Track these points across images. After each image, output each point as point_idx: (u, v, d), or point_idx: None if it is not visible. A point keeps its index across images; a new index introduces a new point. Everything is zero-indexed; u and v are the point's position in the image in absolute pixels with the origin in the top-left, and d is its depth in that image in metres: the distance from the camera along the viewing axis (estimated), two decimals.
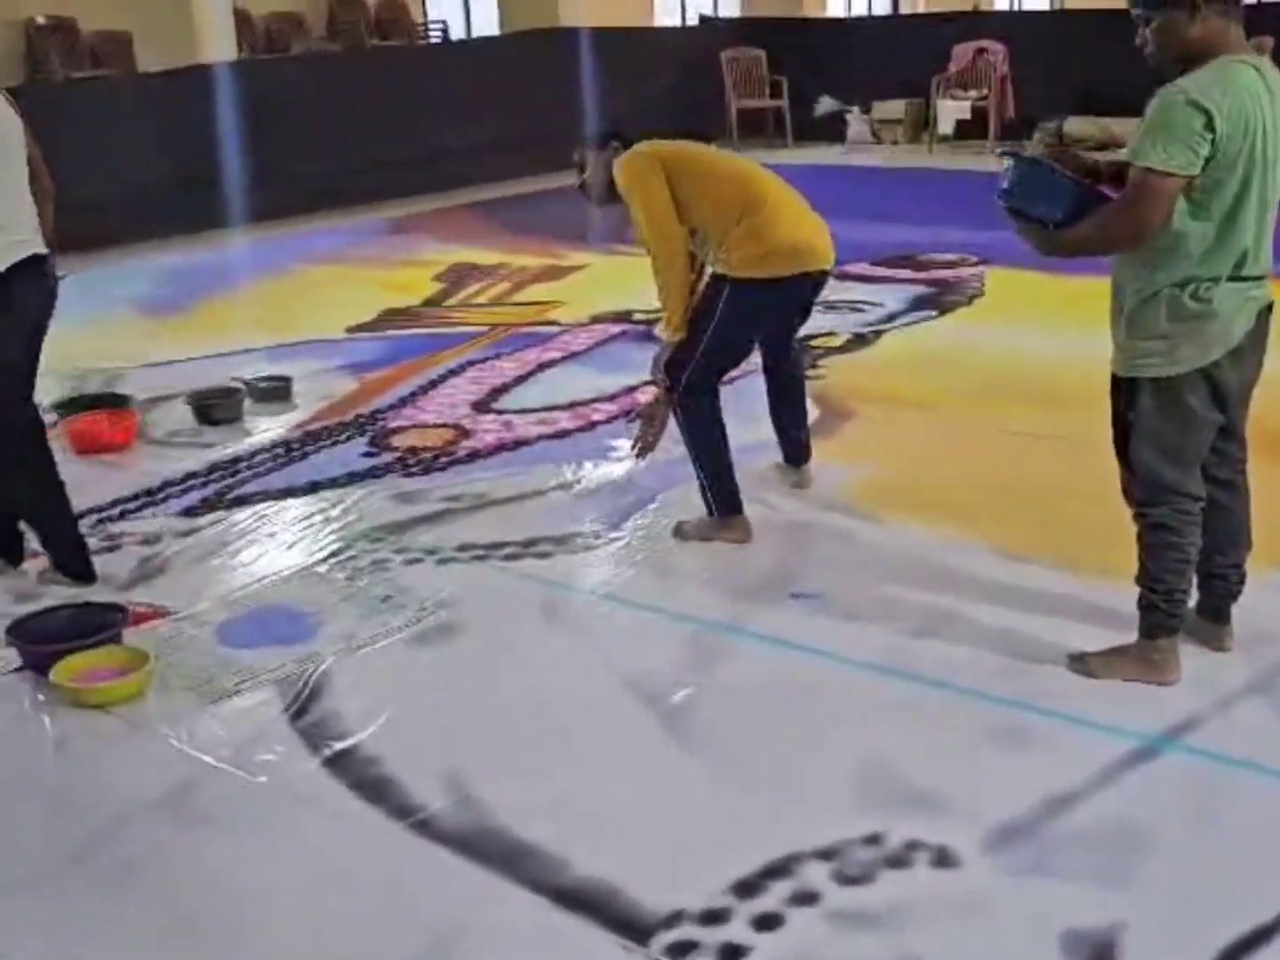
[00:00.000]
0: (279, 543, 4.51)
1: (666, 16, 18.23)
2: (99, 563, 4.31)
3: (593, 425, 5.56)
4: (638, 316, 7.25)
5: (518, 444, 5.36)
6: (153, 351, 6.92)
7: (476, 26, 16.06)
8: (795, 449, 4.75)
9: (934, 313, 7.22)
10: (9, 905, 2.75)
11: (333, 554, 4.38)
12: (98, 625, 3.73)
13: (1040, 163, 3.24)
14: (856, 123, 13.93)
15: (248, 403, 5.93)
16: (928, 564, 4.11)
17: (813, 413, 5.16)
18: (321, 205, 10.75)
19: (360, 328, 7.34)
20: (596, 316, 7.31)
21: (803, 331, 4.74)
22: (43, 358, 4.10)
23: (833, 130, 13.99)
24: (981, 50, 13.16)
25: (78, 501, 4.82)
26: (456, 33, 15.57)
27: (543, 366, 6.44)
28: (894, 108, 13.84)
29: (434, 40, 14.99)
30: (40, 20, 12.13)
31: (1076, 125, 12.93)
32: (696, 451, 4.31)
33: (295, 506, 4.82)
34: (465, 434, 5.50)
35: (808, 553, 4.26)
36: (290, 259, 9.25)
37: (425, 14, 15.45)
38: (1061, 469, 4.82)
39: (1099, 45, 12.46)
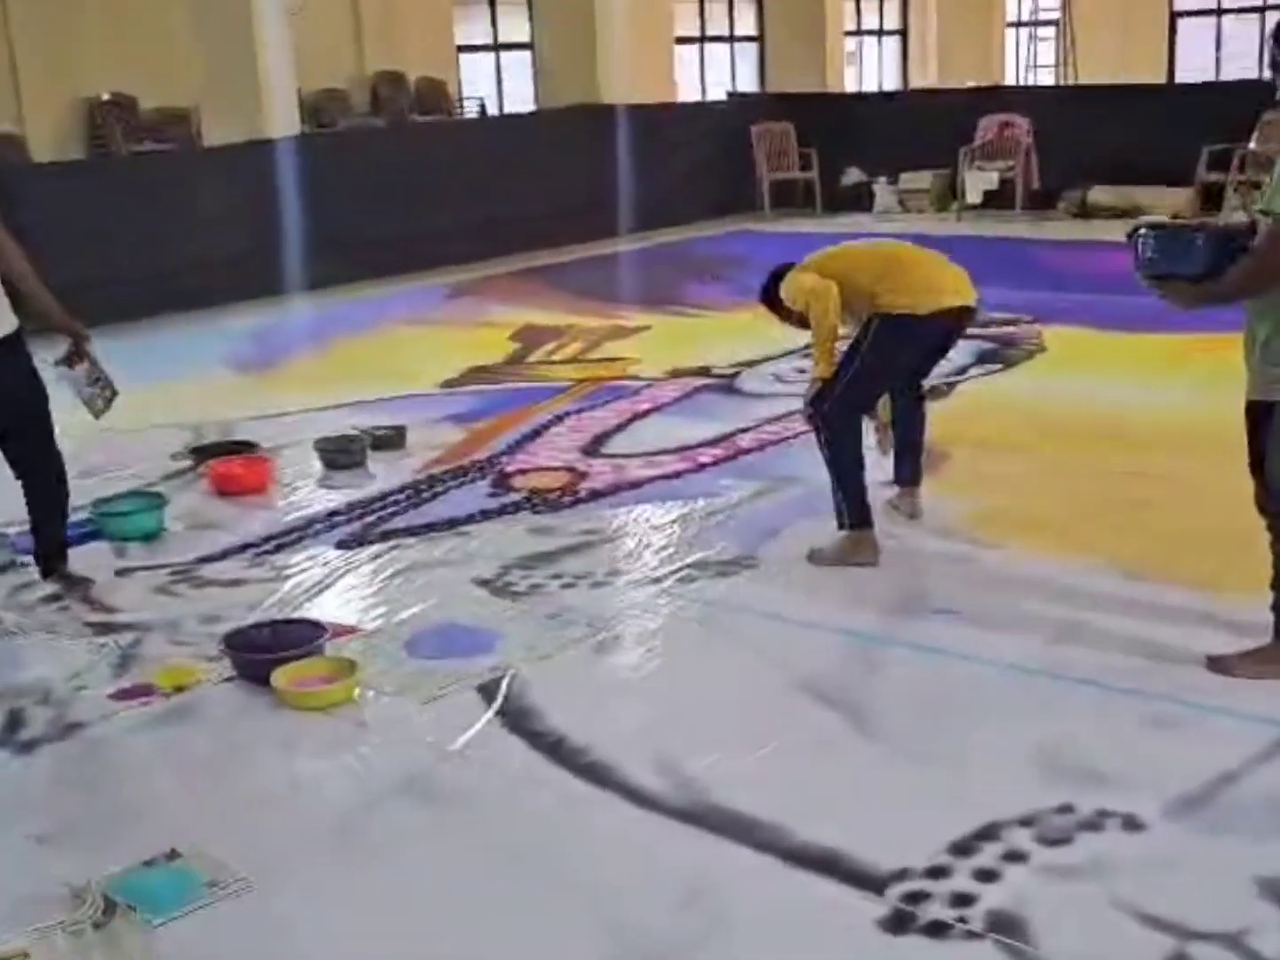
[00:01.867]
0: (437, 570, 4.84)
1: (687, 93, 18.83)
2: (266, 584, 4.69)
3: (701, 467, 5.91)
4: (716, 371, 7.64)
5: (634, 485, 5.70)
6: (255, 405, 7.27)
7: (509, 103, 16.62)
8: (909, 468, 5.11)
9: (999, 366, 7.61)
10: (292, 879, 3.04)
11: (490, 580, 4.71)
12: (303, 638, 4.06)
13: (1174, 228, 3.64)
14: (884, 193, 14.41)
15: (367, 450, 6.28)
16: (1051, 583, 4.46)
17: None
18: (380, 273, 11.17)
19: (451, 383, 7.71)
20: (675, 371, 7.69)
21: None
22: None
23: (861, 201, 14.47)
24: (1007, 124, 13.68)
25: (231, 538, 5.20)
26: (491, 109, 16.12)
27: (636, 416, 6.80)
28: (920, 178, 14.32)
29: (471, 115, 15.51)
30: (105, 96, 12.61)
31: (1099, 194, 13.43)
32: (837, 471, 4.72)
33: (441, 539, 5.16)
34: (581, 476, 5.85)
35: (936, 575, 4.61)
36: (364, 321, 9.64)
37: (461, 90, 15.97)
38: (1156, 500, 5.20)
39: (1113, 119, 13.09)
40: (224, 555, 5.09)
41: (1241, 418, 3.71)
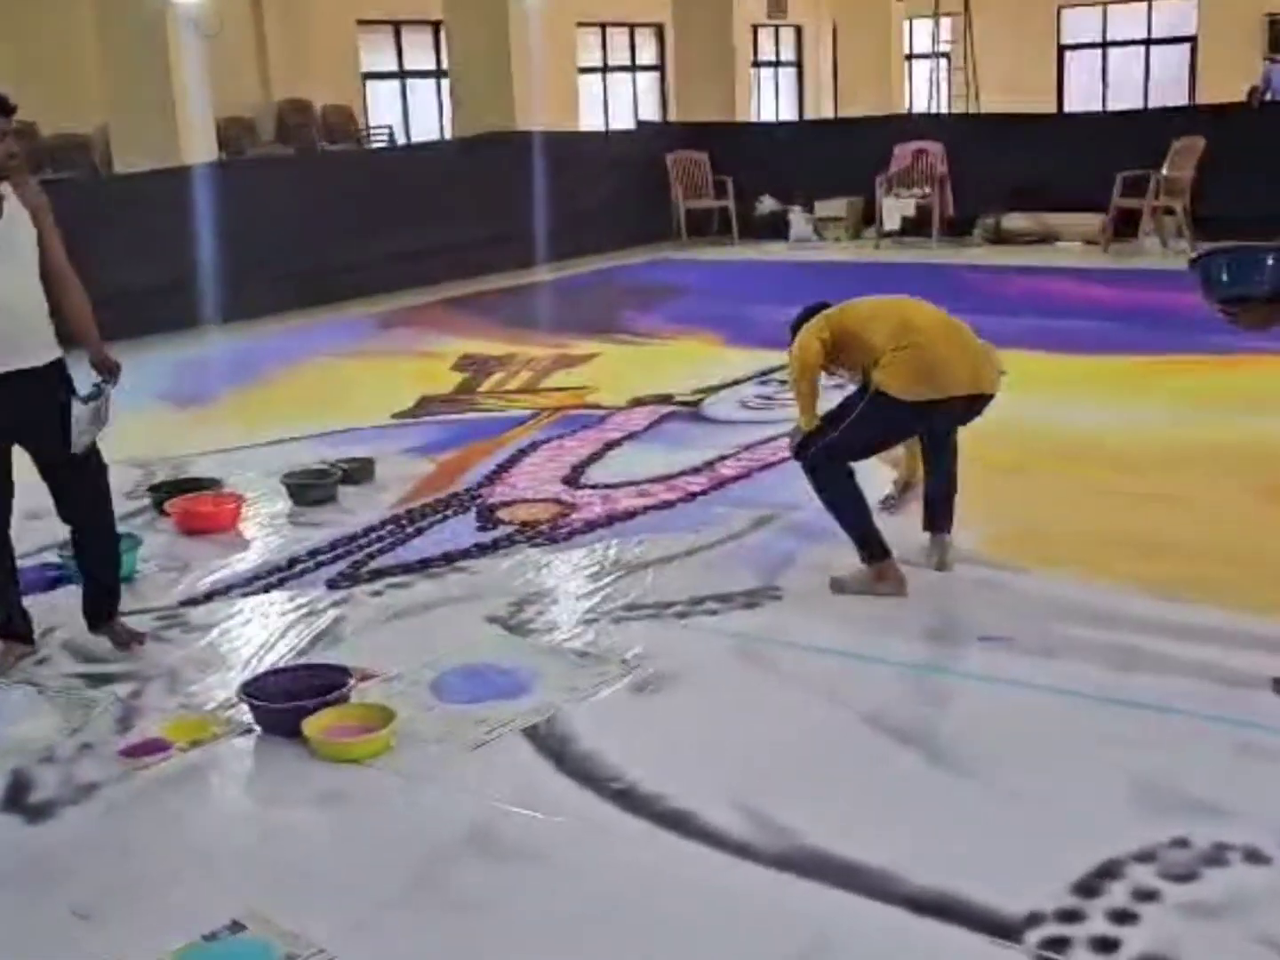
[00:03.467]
0: (444, 608, 4.60)
1: (589, 122, 18.76)
2: (262, 629, 4.40)
3: (692, 496, 5.73)
4: (679, 398, 7.48)
5: (628, 515, 5.51)
6: (201, 440, 6.95)
7: (415, 131, 16.38)
8: (938, 512, 4.79)
9: None
10: (373, 947, 2.79)
11: (504, 617, 4.48)
12: (327, 685, 3.79)
13: (1242, 250, 3.57)
14: (799, 221, 14.41)
15: None
16: (1087, 607, 4.35)
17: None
18: (301, 303, 10.83)
19: (404, 414, 7.45)
20: (638, 399, 7.50)
21: None
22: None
23: (776, 229, 14.45)
24: (921, 151, 13.76)
25: (211, 579, 4.91)
26: (398, 137, 15.87)
27: (610, 445, 6.60)
28: (835, 206, 14.35)
29: (379, 143, 15.24)
30: None
31: (1014, 220, 13.58)
32: (836, 511, 4.56)
33: (439, 575, 4.91)
34: (570, 507, 5.64)
35: (969, 601, 4.48)
36: (297, 352, 9.31)
37: (367, 119, 15.69)
38: (1165, 519, 5.14)
39: (1024, 147, 13.24)
40: (208, 598, 4.78)
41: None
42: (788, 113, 22.86)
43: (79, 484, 4.19)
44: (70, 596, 4.80)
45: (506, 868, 3.05)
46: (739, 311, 9.93)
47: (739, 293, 11.14)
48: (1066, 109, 20.71)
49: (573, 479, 6.05)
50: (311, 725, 3.60)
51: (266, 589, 4.86)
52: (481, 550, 5.16)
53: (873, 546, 4.55)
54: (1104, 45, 21.85)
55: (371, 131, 15.55)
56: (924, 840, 3.08)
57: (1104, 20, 21.77)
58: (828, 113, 22.96)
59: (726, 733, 3.64)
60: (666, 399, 7.50)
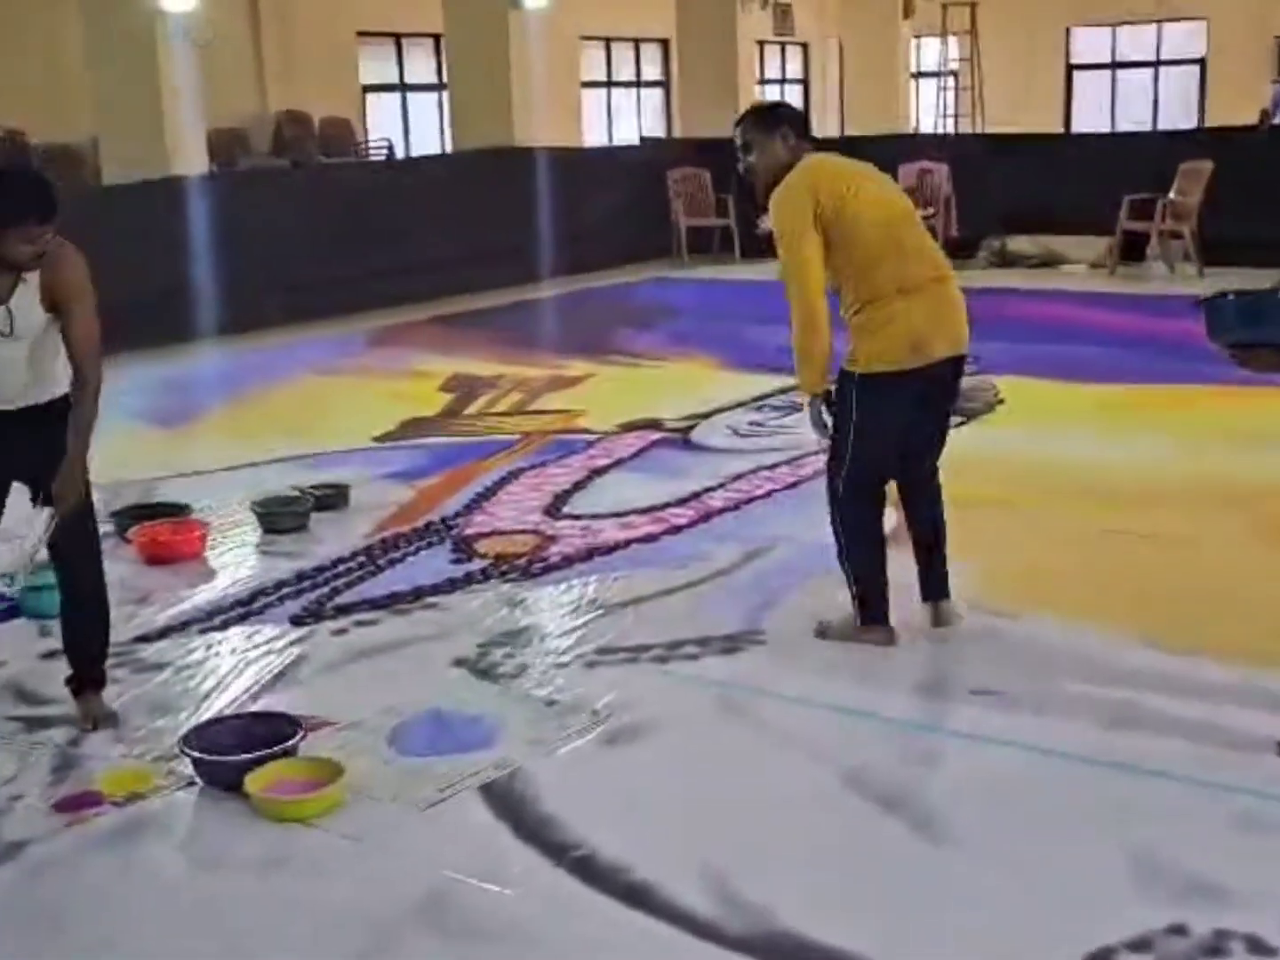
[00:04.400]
0: (409, 648, 4.38)
1: (593, 137, 18.58)
2: (217, 670, 4.18)
3: (677, 529, 5.51)
4: (669, 424, 7.27)
5: (609, 549, 5.29)
6: (176, 462, 6.75)
7: (415, 145, 16.19)
8: (932, 575, 4.37)
9: (960, 420, 7.30)
10: None
11: (471, 659, 4.27)
12: (272, 736, 3.58)
13: (1255, 294, 3.36)
14: None
15: None
16: (1083, 657, 4.13)
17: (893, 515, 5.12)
18: (293, 318, 10.63)
19: (386, 437, 7.24)
20: (627, 424, 7.29)
21: None
22: None
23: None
24: (926, 171, 13.56)
25: (169, 613, 4.70)
26: (397, 150, 15.68)
27: (595, 473, 6.39)
28: None
29: (377, 157, 15.05)
30: None
31: (1018, 244, 13.36)
32: (847, 554, 4.24)
33: (407, 613, 4.70)
34: (549, 539, 5.42)
35: (959, 650, 4.25)
36: (282, 370, 9.11)
37: (367, 132, 15.51)
38: (1160, 561, 4.95)
39: (1031, 168, 13.04)
40: (164, 634, 4.57)
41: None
42: None
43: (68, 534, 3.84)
44: (18, 630, 4.62)
45: (457, 945, 2.83)
46: (738, 334, 9.70)
47: (739, 313, 10.89)
48: (1074, 129, 20.52)
49: (554, 509, 5.83)
50: (255, 780, 3.38)
51: (226, 625, 4.64)
52: (453, 585, 4.94)
53: (873, 610, 4.23)
54: (1114, 66, 21.66)
55: (370, 145, 15.36)
56: (904, 921, 2.85)
57: (1113, 40, 21.58)
58: (833, 131, 22.81)
59: (699, 793, 3.42)
60: (656, 425, 7.29)
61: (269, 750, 3.49)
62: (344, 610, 4.73)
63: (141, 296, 9.65)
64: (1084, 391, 7.79)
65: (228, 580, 5.09)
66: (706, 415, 7.46)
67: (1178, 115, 20.34)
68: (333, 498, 5.92)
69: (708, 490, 6.02)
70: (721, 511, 5.72)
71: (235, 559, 5.33)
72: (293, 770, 3.48)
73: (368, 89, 15.81)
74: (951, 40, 19.31)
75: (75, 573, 3.94)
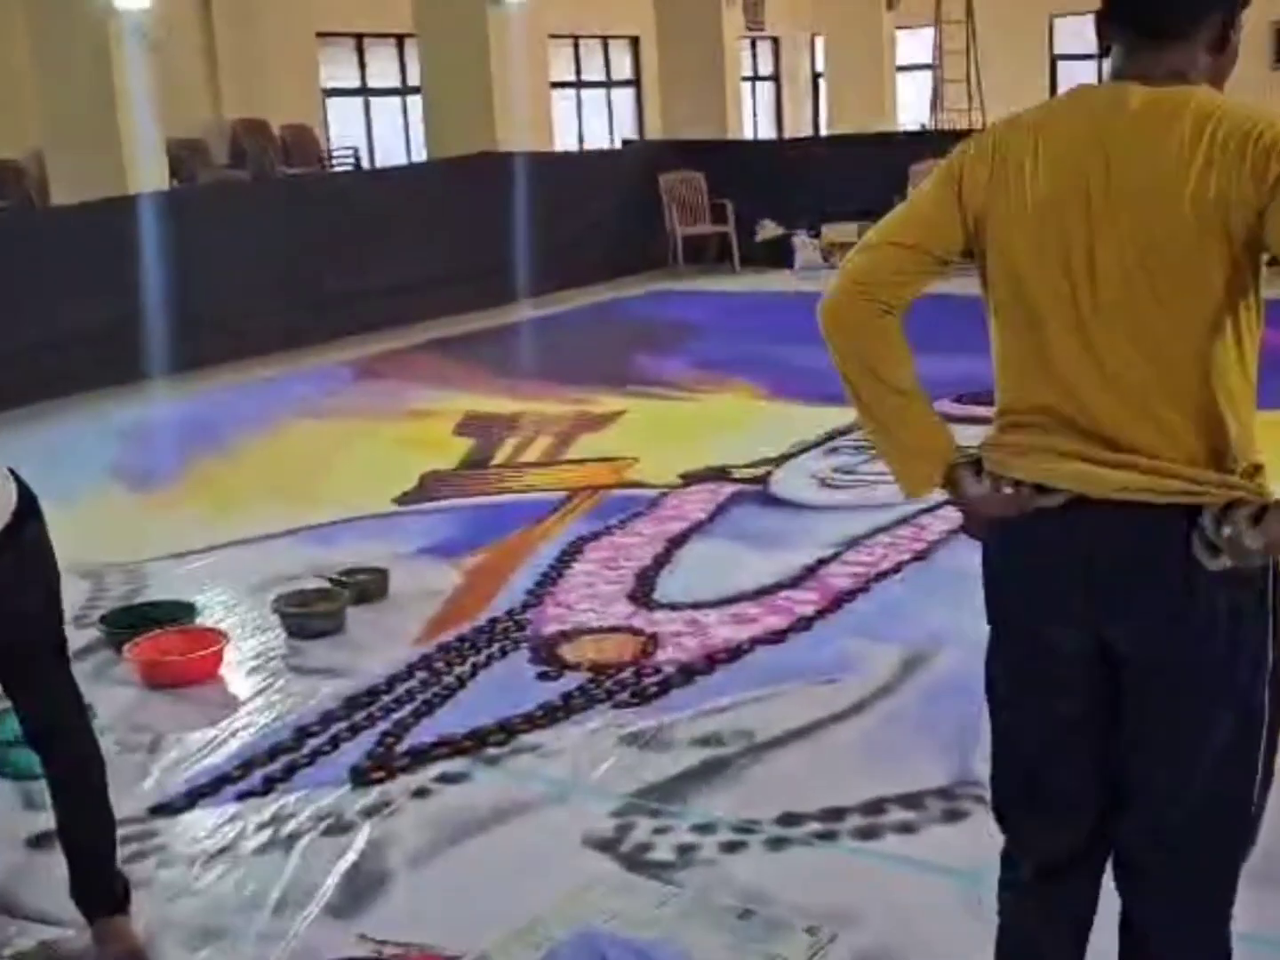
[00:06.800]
0: (518, 820, 3.32)
1: (562, 140, 17.55)
2: (272, 864, 3.10)
3: (806, 622, 4.47)
4: (737, 474, 6.23)
5: (730, 654, 4.24)
6: (162, 537, 5.64)
7: (379, 152, 15.08)
8: None
9: None
10: None
11: (609, 837, 3.21)
12: None
13: None
14: (805, 247, 13.23)
15: None
16: None
17: None
18: (265, 349, 9.47)
19: (409, 498, 6.15)
20: (688, 475, 6.23)
21: None
22: None
23: (776, 256, 13.27)
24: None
25: (193, 770, 3.64)
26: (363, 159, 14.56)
27: (673, 542, 5.34)
28: (846, 230, 13.12)
29: (343, 167, 13.92)
30: None
31: None
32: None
33: (499, 760, 3.63)
34: (650, 639, 4.37)
35: None
36: (266, 412, 7.97)
37: (329, 140, 14.38)
38: None
39: None
40: (191, 803, 3.48)
41: None
42: (766, 128, 21.74)
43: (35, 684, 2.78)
44: None
45: None
46: (769, 354, 8.67)
47: (759, 330, 9.90)
48: None
49: (642, 596, 4.77)
50: None
51: (268, 785, 3.56)
52: (548, 715, 3.87)
53: None
54: (1100, 56, 20.75)
55: (335, 154, 14.22)
56: None
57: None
58: (806, 127, 21.91)
59: None
60: (723, 474, 6.25)
61: None
62: (418, 758, 3.66)
63: (93, 329, 8.52)
64: None
65: (259, 712, 4.00)
66: (778, 460, 6.44)
67: None
68: (369, 587, 4.85)
69: (822, 563, 4.99)
70: (852, 594, 4.70)
71: (261, 680, 4.24)
72: None
73: (328, 93, 14.67)
74: (928, 31, 18.46)
75: (54, 748, 2.83)
